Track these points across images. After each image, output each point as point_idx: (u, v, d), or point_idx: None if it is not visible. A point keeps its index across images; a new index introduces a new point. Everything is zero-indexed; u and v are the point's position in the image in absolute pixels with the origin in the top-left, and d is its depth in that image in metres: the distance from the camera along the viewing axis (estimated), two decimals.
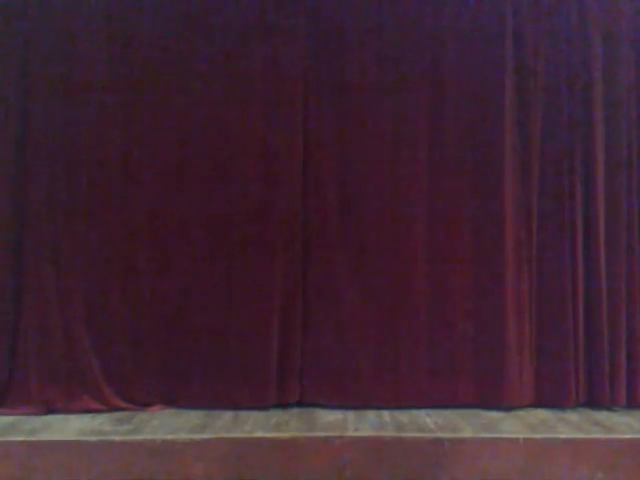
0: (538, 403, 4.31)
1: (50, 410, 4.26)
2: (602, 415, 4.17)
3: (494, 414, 4.18)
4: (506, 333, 4.26)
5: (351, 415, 4.19)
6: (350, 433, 3.81)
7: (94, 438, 3.78)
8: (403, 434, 3.79)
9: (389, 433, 3.82)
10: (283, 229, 4.35)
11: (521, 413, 4.19)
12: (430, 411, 4.24)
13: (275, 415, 4.20)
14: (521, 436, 3.76)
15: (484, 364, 4.28)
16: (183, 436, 3.78)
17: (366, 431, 3.86)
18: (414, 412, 4.22)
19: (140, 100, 4.40)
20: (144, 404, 4.35)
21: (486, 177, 4.35)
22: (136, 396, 4.37)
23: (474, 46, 4.38)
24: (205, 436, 3.79)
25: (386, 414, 4.20)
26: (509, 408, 4.23)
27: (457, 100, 4.37)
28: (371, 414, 4.21)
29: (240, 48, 4.38)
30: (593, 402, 4.30)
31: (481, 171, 4.36)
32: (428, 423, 3.99)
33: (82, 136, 4.39)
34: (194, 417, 4.16)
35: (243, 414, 4.22)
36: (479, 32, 4.38)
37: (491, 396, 4.27)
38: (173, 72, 4.39)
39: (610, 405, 4.28)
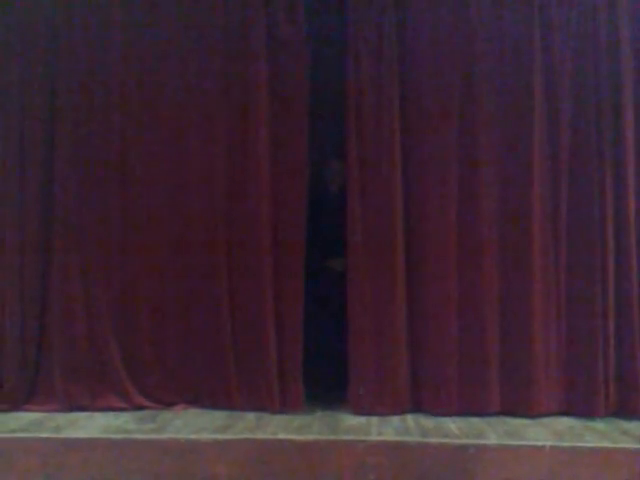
0: (567, 411, 4.24)
1: (75, 407, 4.30)
2: (631, 425, 4.08)
3: (520, 421, 4.11)
4: (533, 340, 4.20)
5: (374, 419, 4.16)
6: (374, 437, 3.79)
7: (118, 436, 3.80)
8: (428, 439, 3.76)
9: (413, 438, 3.78)
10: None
11: (547, 420, 4.12)
12: (455, 417, 4.20)
13: (298, 417, 4.19)
14: (547, 443, 3.70)
15: (511, 372, 4.22)
16: (206, 436, 3.79)
17: (390, 435, 3.83)
18: (439, 418, 4.18)
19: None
20: (167, 403, 4.36)
21: (515, 186, 4.31)
22: (159, 395, 4.39)
23: (504, 60, 4.34)
24: (228, 437, 3.79)
25: (410, 419, 4.17)
26: (536, 416, 4.17)
27: (489, 114, 4.32)
28: (395, 419, 4.18)
29: None
30: (623, 411, 4.21)
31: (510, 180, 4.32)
32: (453, 429, 3.95)
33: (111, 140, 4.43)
34: (217, 417, 4.16)
35: (266, 415, 4.21)
36: (509, 44, 4.33)
37: (518, 404, 4.21)
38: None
39: None
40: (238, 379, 4.33)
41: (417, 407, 4.29)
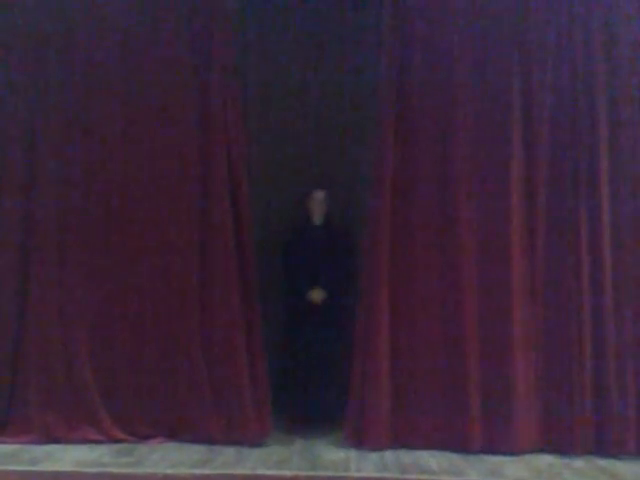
0: (545, 448, 4.25)
1: (50, 439, 4.24)
2: (608, 463, 4.10)
3: (499, 458, 4.12)
4: (514, 376, 4.22)
5: (353, 454, 4.14)
6: (353, 473, 3.77)
7: (94, 470, 3.75)
8: (406, 476, 3.75)
9: (392, 474, 3.77)
10: None
11: (526, 458, 4.13)
12: (435, 453, 4.19)
13: (277, 452, 4.16)
14: None
15: (492, 408, 4.24)
16: (184, 471, 3.75)
17: (369, 471, 3.81)
18: (417, 453, 4.17)
19: None
20: (144, 436, 4.31)
21: (493, 205, 4.37)
22: (136, 428, 4.33)
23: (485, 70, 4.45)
24: (207, 471, 3.76)
25: (389, 454, 4.16)
26: (515, 453, 4.18)
27: (467, 129, 4.40)
28: (374, 455, 4.16)
29: None
30: (601, 449, 4.23)
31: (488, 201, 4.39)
32: (432, 465, 3.94)
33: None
34: (195, 451, 4.12)
35: (245, 450, 4.18)
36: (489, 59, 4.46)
37: (499, 441, 4.21)
38: None
39: (618, 453, 4.20)
40: (214, 411, 4.30)
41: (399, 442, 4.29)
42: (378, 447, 4.22)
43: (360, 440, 4.25)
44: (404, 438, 4.26)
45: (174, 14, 4.46)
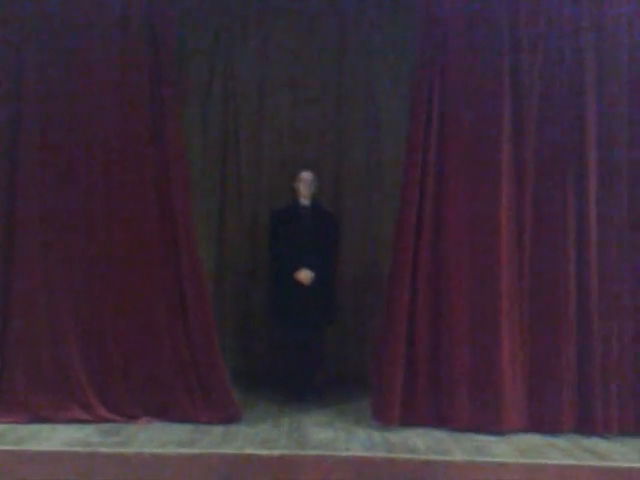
0: (530, 428, 4.29)
1: (37, 419, 4.23)
2: (592, 442, 4.15)
3: (485, 437, 4.15)
4: (501, 356, 4.25)
5: (342, 434, 4.16)
6: (341, 452, 3.78)
7: (82, 449, 3.75)
8: (394, 455, 3.77)
9: (380, 454, 3.79)
10: None
11: (512, 438, 4.17)
12: (421, 432, 4.22)
13: (265, 431, 4.18)
14: (511, 460, 3.75)
15: (480, 389, 4.27)
16: (171, 450, 3.75)
17: (357, 451, 3.83)
18: (405, 433, 4.20)
19: None
20: (131, 416, 4.31)
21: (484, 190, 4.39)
22: (123, 408, 4.33)
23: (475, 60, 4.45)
24: (194, 451, 3.76)
25: (376, 434, 4.18)
26: (502, 432, 4.21)
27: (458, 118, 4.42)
28: (362, 433, 4.19)
29: None
30: (585, 428, 4.29)
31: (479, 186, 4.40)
32: (419, 445, 3.97)
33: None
34: (183, 431, 4.13)
35: (233, 429, 4.19)
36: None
37: (488, 421, 4.24)
38: None
39: (602, 432, 4.25)
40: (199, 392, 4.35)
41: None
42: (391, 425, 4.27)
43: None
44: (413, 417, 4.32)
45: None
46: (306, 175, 5.14)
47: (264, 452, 3.76)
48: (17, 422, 4.18)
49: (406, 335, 4.31)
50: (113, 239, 4.37)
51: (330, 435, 4.13)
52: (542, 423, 4.29)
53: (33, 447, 3.77)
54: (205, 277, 4.48)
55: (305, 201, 5.16)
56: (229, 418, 4.32)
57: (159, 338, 4.35)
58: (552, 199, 4.39)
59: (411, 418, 4.30)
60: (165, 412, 4.33)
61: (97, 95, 4.39)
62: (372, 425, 4.36)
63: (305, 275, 4.93)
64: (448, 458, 3.77)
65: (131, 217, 4.37)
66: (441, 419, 4.29)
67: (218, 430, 4.17)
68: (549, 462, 3.74)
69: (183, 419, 4.29)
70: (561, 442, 4.13)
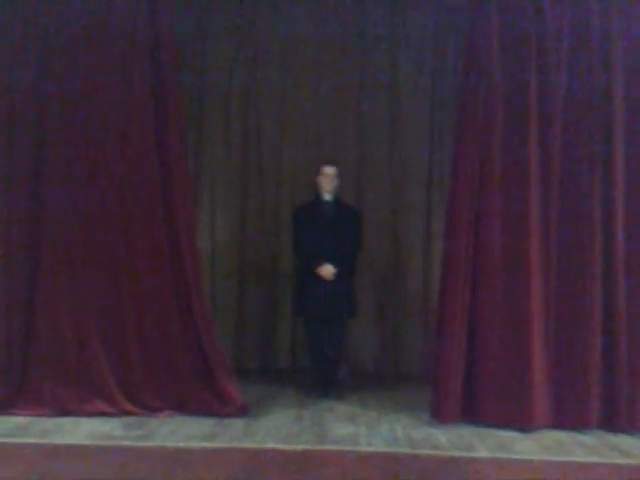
0: (555, 425, 4.24)
1: (62, 412, 4.27)
2: (619, 439, 4.09)
3: (510, 434, 4.11)
4: (532, 353, 4.20)
5: (363, 429, 4.15)
6: (363, 448, 3.77)
7: (105, 443, 3.78)
8: (417, 451, 3.75)
9: (402, 449, 3.77)
10: None
11: (537, 434, 4.12)
12: (446, 428, 4.20)
13: (287, 426, 4.18)
14: (536, 457, 3.71)
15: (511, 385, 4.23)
16: (194, 444, 3.77)
17: (379, 446, 3.82)
18: (428, 429, 4.18)
19: None
20: (154, 409, 4.33)
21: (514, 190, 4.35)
22: (145, 401, 4.36)
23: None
24: (216, 445, 3.78)
25: (399, 430, 4.16)
26: (530, 429, 4.16)
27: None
28: (384, 428, 4.17)
29: None
30: (611, 425, 4.23)
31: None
32: (442, 441, 3.95)
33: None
34: (206, 425, 4.14)
35: (255, 423, 4.20)
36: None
37: (516, 418, 4.20)
38: None
39: (628, 429, 4.20)
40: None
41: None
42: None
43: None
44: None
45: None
46: (329, 170, 5.13)
47: (285, 447, 3.76)
48: (42, 415, 4.22)
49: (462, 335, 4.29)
50: (129, 238, 4.42)
51: (352, 430, 4.12)
52: (567, 420, 4.24)
53: (57, 440, 3.80)
54: (201, 273, 4.57)
55: (328, 196, 5.14)
56: (233, 412, 4.34)
57: (172, 333, 4.40)
58: (578, 198, 4.33)
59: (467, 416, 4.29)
60: (180, 406, 4.37)
61: (102, 97, 4.45)
62: (394, 420, 4.36)
63: (327, 270, 4.92)
64: (472, 454, 3.73)
65: (141, 217, 4.43)
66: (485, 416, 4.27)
67: (240, 424, 4.18)
68: (573, 459, 3.70)
69: (196, 413, 4.32)
70: (587, 439, 4.08)
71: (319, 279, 4.94)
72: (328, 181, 5.10)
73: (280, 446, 3.77)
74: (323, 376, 5.09)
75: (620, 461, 3.70)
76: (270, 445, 3.78)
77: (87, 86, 4.43)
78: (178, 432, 3.98)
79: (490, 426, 4.20)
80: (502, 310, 4.27)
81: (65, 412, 4.27)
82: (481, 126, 4.36)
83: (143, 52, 4.46)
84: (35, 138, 4.45)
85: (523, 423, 4.18)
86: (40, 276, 4.40)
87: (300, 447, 3.75)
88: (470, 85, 4.40)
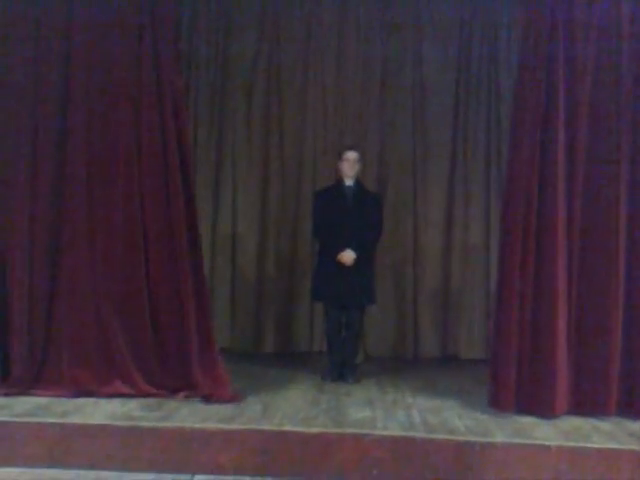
0: (574, 411, 4.21)
1: (82, 393, 4.31)
2: (637, 426, 4.04)
3: (527, 419, 4.09)
4: (557, 340, 4.15)
5: (380, 413, 4.16)
6: (379, 431, 3.78)
7: (124, 423, 3.81)
8: (433, 435, 3.75)
9: (418, 433, 3.77)
10: None
11: (554, 420, 4.09)
12: (462, 413, 4.20)
13: (304, 410, 4.19)
14: (553, 443, 3.69)
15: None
16: (212, 425, 3.79)
17: (395, 430, 3.82)
18: (445, 414, 4.18)
19: None
20: (172, 390, 4.37)
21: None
22: (164, 382, 4.40)
23: None
24: (234, 427, 3.80)
25: (416, 414, 4.17)
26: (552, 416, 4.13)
27: None
28: (401, 413, 4.18)
29: None
30: (629, 413, 4.19)
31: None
32: (459, 426, 3.94)
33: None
34: (223, 407, 4.17)
35: (272, 406, 4.22)
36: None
37: (539, 406, 4.18)
38: None
39: None
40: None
41: None
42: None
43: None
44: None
45: None
46: (351, 155, 5.11)
47: (302, 429, 3.77)
48: (61, 396, 4.27)
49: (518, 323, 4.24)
50: (143, 225, 4.45)
51: (368, 414, 4.13)
52: (587, 406, 4.21)
53: (77, 420, 3.84)
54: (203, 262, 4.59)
55: (349, 181, 5.13)
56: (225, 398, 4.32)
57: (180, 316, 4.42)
58: (603, 191, 4.27)
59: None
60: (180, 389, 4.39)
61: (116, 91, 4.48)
62: (411, 404, 4.38)
63: (348, 256, 4.92)
64: (488, 439, 3.72)
65: (150, 205, 4.47)
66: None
67: (257, 407, 4.21)
68: (591, 445, 3.67)
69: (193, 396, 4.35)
70: (605, 425, 4.04)
71: (339, 264, 4.94)
72: (350, 166, 5.09)
73: (297, 429, 3.78)
74: (341, 360, 5.10)
75: (637, 447, 3.66)
76: (287, 428, 3.80)
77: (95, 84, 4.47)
78: (196, 413, 4.01)
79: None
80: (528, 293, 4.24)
81: (85, 393, 4.31)
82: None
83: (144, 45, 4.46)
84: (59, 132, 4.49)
85: (545, 410, 4.14)
86: (61, 260, 4.44)
87: (316, 430, 3.76)
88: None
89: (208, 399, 4.28)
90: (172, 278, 4.42)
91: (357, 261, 4.95)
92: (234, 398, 4.32)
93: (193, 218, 4.49)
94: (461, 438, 3.72)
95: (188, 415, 3.98)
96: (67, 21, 4.47)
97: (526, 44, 4.35)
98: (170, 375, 4.42)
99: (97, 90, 4.46)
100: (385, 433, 3.76)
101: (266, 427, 3.81)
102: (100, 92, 4.46)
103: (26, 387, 4.31)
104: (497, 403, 4.25)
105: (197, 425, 3.78)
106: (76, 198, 4.43)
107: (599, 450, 3.64)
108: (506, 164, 4.54)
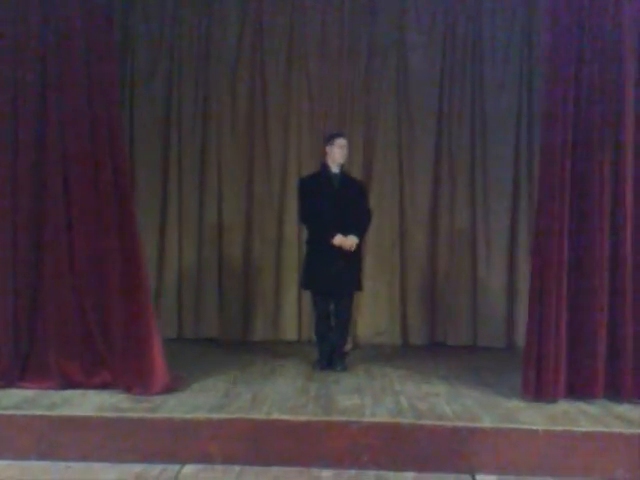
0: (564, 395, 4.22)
1: (69, 385, 4.29)
2: (623, 408, 4.08)
3: (514, 404, 4.13)
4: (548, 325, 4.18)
5: (368, 400, 4.17)
6: (368, 418, 3.79)
7: (112, 414, 3.79)
8: (421, 421, 3.76)
9: (407, 420, 3.78)
10: None
11: (541, 404, 4.11)
12: (451, 399, 4.22)
13: (293, 398, 4.20)
14: (540, 427, 3.71)
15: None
16: (200, 415, 3.78)
17: (384, 417, 3.83)
18: (433, 400, 4.20)
19: None
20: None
21: None
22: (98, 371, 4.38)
23: None
24: (222, 416, 3.79)
25: (404, 400, 4.18)
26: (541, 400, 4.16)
27: None
28: (389, 400, 4.19)
29: None
30: (615, 395, 4.22)
31: None
32: (447, 411, 3.95)
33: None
34: (212, 397, 4.17)
35: (261, 395, 4.22)
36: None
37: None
38: None
39: (632, 398, 4.19)
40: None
41: None
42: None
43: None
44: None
45: None
46: (342, 141, 5.11)
47: (291, 417, 3.77)
48: (48, 388, 4.25)
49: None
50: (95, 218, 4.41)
51: (357, 402, 4.14)
52: (573, 390, 4.24)
53: (64, 412, 3.82)
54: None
55: (335, 168, 5.12)
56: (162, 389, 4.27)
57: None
58: (589, 180, 4.27)
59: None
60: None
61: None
62: (399, 391, 4.40)
63: (352, 241, 4.92)
64: (476, 425, 3.74)
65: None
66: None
67: (247, 396, 4.21)
68: (578, 429, 3.69)
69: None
70: (592, 409, 4.07)
71: (328, 252, 4.93)
72: (341, 152, 5.08)
73: (286, 417, 3.79)
74: (329, 348, 5.11)
75: (624, 430, 3.69)
76: (276, 416, 3.80)
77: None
78: (185, 403, 4.00)
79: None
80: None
81: (72, 385, 4.29)
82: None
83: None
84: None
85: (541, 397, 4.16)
86: (43, 252, 4.40)
87: (305, 418, 3.76)
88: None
89: (129, 390, 4.22)
90: (98, 261, 4.38)
91: (345, 249, 4.95)
92: (164, 389, 4.24)
93: (128, 215, 4.42)
94: (449, 424, 3.74)
95: (177, 406, 3.97)
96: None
97: (554, 35, 4.30)
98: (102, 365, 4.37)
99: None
100: (374, 420, 3.77)
101: (255, 416, 3.81)
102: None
103: (12, 380, 4.28)
104: (529, 390, 4.21)
105: (186, 415, 3.77)
106: (55, 192, 4.38)
107: (587, 434, 3.66)
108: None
